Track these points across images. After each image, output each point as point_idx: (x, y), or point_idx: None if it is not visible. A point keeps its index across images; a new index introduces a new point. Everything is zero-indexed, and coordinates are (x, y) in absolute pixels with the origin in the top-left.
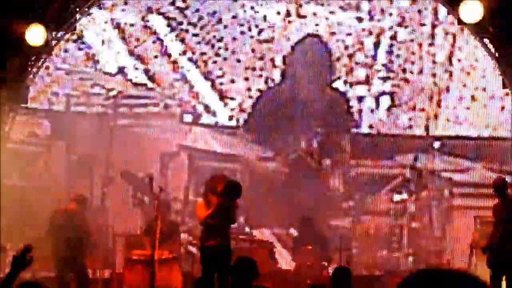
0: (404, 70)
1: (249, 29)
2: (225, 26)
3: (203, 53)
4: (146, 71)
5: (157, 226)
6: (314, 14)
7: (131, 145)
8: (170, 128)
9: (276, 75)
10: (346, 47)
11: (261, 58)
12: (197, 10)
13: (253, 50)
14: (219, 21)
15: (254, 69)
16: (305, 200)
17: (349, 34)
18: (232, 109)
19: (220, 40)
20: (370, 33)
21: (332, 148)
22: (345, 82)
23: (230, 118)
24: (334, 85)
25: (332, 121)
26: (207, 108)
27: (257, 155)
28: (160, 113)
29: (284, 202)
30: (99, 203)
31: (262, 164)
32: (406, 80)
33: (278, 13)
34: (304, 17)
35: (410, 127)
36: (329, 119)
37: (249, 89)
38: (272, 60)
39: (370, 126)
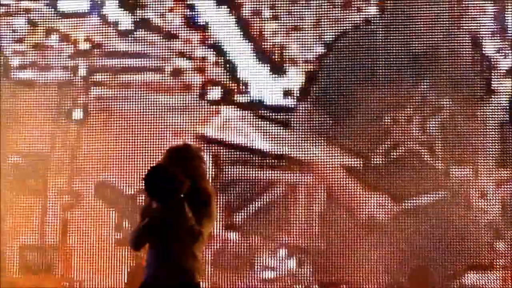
0: None
1: None
2: None
3: None
4: (142, 10)
5: None
6: None
7: (113, 136)
8: (183, 109)
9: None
10: None
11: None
12: None
13: None
14: None
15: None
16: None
17: None
18: (288, 81)
19: None
20: None
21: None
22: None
23: (286, 94)
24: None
25: (459, 92)
26: (245, 79)
27: (333, 159)
28: (165, 83)
29: (387, 243)
30: None
31: (343, 173)
32: None
33: None
34: None
35: None
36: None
37: (311, 49)
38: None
39: None
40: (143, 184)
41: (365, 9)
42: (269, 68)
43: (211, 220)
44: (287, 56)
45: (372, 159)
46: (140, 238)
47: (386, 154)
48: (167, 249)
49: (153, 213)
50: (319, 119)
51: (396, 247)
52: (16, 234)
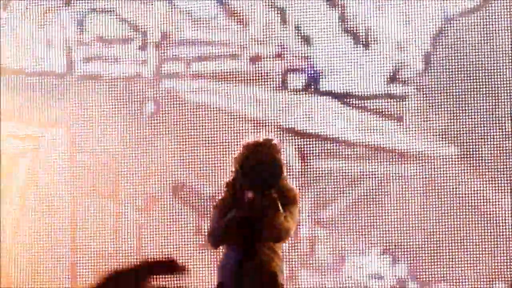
0: None
1: None
2: None
3: None
4: None
5: None
6: None
7: (187, 131)
8: (263, 99)
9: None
10: None
11: None
12: None
13: None
14: None
15: None
16: None
17: None
18: (378, 66)
19: None
20: None
21: None
22: None
23: (390, 80)
24: None
25: None
26: (330, 65)
27: (430, 148)
28: (243, 72)
29: (492, 237)
30: None
31: (443, 163)
32: None
33: None
34: None
35: None
36: None
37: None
38: None
39: None
40: (245, 170)
41: None
42: (357, 52)
43: (296, 220)
44: (377, 39)
45: (478, 149)
46: (224, 233)
47: (494, 146)
48: (250, 247)
49: (242, 206)
50: (413, 105)
51: (504, 243)
52: (88, 241)
